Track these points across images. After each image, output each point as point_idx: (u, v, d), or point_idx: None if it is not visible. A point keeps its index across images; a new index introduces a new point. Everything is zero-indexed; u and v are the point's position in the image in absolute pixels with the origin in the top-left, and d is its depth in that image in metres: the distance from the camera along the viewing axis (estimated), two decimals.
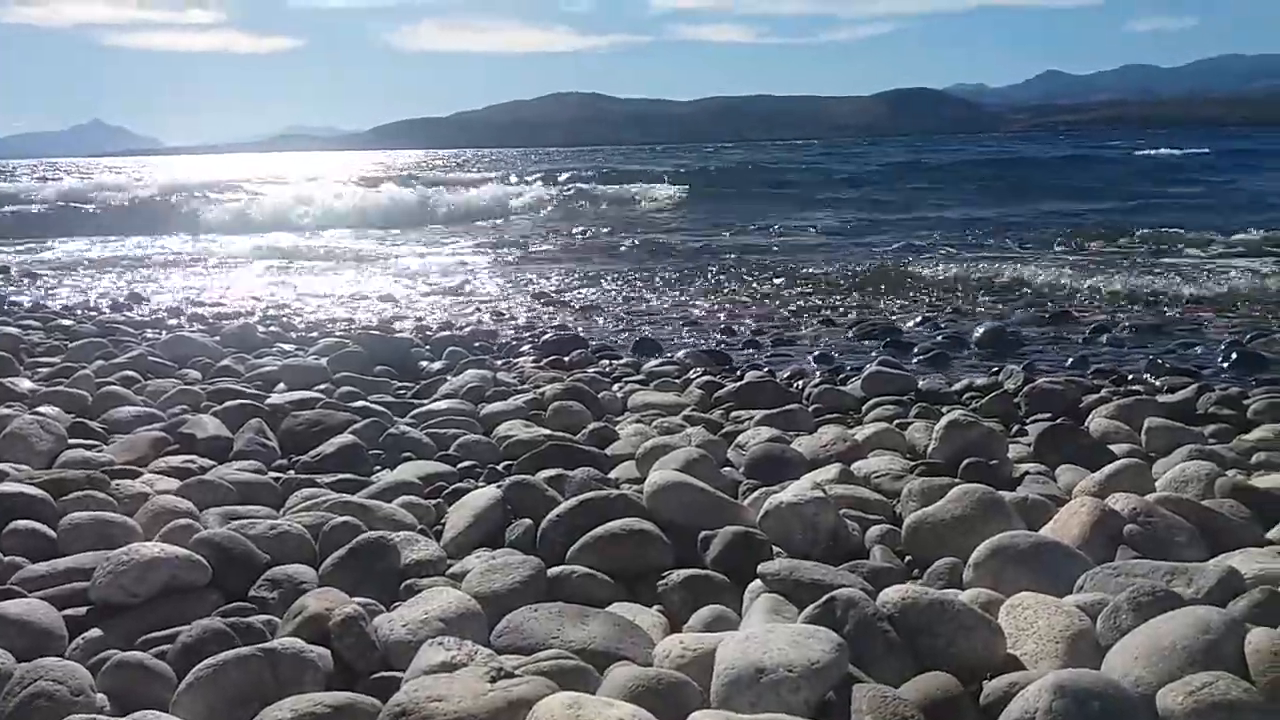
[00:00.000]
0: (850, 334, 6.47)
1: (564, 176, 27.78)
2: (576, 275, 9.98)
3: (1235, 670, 1.67)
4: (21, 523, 2.60)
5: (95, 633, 2.15)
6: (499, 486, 2.92)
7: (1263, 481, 2.96)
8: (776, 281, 9.13)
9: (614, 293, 8.69)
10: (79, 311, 7.43)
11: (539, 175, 28.60)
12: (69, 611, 2.21)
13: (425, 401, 4.28)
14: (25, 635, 2.05)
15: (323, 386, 4.45)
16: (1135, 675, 1.71)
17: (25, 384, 4.29)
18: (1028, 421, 3.99)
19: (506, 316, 7.40)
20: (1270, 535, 2.59)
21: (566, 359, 5.38)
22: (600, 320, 7.29)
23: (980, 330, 6.22)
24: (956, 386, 4.74)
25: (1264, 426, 3.81)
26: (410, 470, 3.29)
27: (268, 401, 4.07)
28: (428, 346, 5.65)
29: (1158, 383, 4.73)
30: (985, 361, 5.51)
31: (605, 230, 15.75)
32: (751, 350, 6.02)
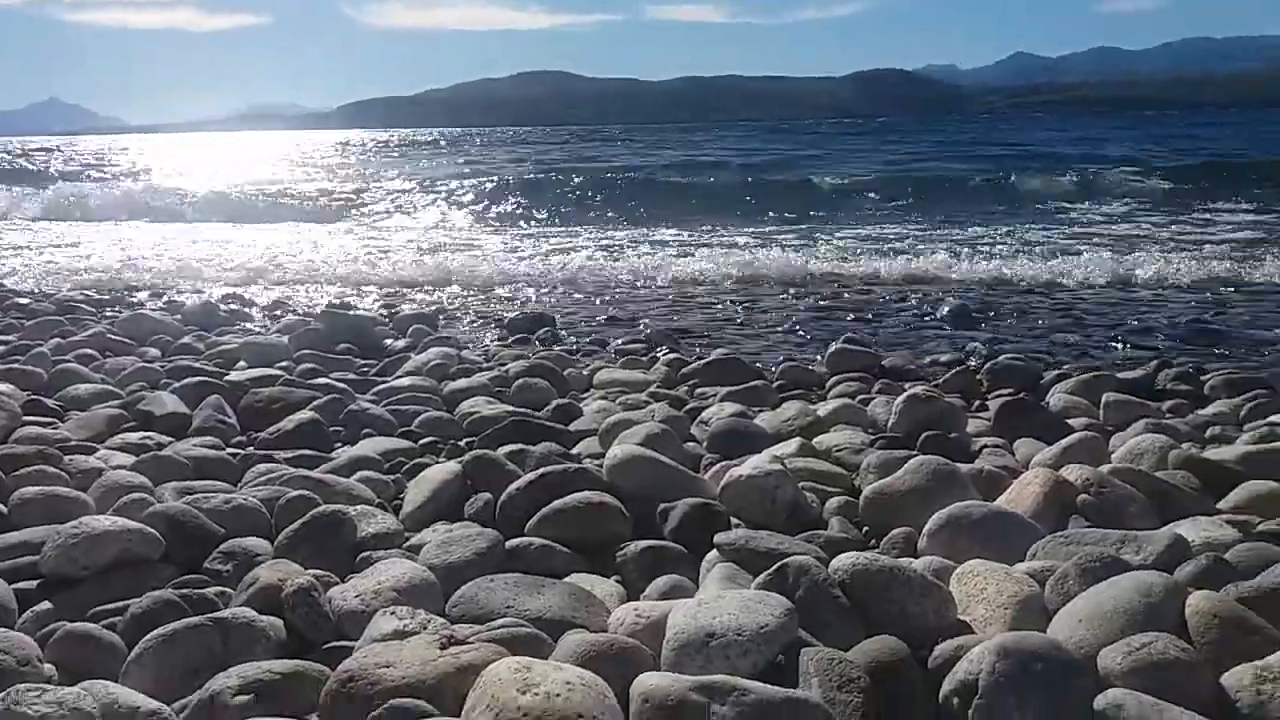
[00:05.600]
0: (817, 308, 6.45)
1: None
2: None
3: (1176, 633, 1.70)
4: None
5: (45, 605, 2.12)
6: (459, 461, 2.91)
7: (1215, 454, 3.00)
8: None
9: None
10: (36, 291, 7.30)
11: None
12: (19, 585, 2.19)
13: (387, 379, 4.26)
14: None
15: (283, 364, 4.41)
16: (1078, 637, 1.73)
17: None
18: (989, 397, 4.02)
19: None
20: (1220, 505, 2.63)
21: (534, 336, 5.36)
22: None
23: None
24: (921, 363, 4.77)
25: (1219, 401, 3.87)
26: (370, 446, 3.27)
27: (227, 379, 4.03)
28: (390, 324, 5.62)
29: (1118, 359, 4.79)
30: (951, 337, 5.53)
31: None
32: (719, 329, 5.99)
